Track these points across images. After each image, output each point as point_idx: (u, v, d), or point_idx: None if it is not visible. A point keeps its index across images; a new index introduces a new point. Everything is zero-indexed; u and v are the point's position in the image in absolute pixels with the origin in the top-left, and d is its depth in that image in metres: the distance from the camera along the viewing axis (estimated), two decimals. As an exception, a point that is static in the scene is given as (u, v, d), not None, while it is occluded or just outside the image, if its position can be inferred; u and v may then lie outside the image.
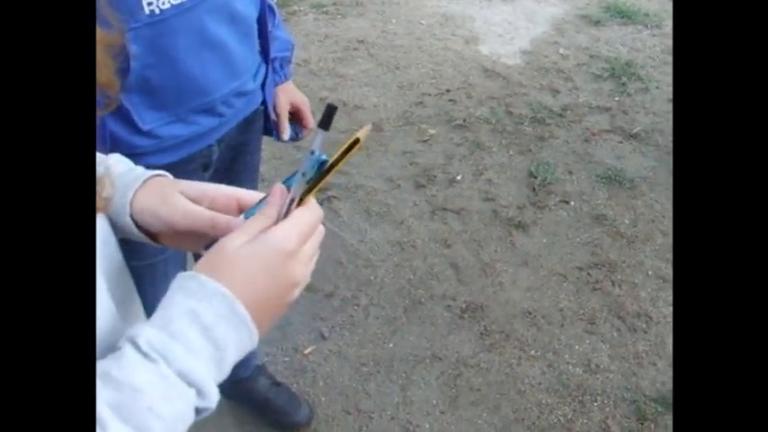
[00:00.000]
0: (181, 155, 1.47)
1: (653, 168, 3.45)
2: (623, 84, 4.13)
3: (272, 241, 0.67)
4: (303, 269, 0.70)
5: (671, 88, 4.11)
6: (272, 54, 1.67)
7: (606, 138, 3.67)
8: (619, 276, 2.83)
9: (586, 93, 4.04)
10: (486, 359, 2.49)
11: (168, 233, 0.82)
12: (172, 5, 1.27)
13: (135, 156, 1.38)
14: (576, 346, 2.55)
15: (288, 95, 1.79)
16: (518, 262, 2.87)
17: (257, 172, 1.86)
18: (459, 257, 2.87)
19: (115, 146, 1.36)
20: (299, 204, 0.71)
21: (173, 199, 0.80)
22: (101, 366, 0.59)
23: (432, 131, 3.63)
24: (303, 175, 0.69)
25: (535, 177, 3.31)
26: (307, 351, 2.50)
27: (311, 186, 0.70)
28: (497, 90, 4.01)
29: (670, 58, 4.45)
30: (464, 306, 2.67)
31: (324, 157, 0.69)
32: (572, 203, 3.19)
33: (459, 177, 3.31)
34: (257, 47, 1.58)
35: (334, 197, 3.16)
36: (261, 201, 0.77)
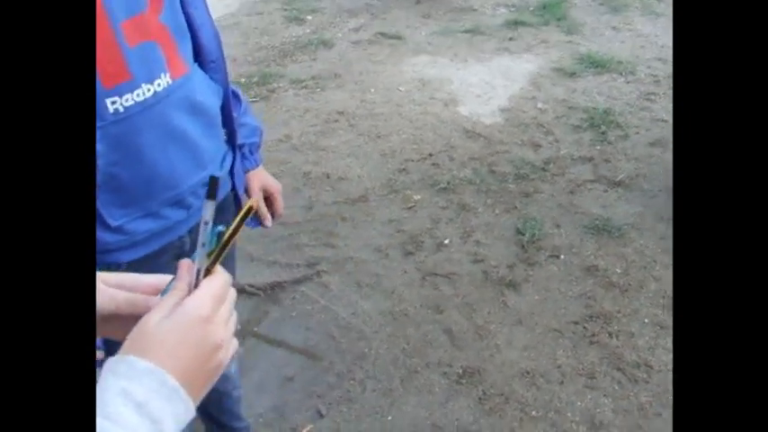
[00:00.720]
0: (153, 248, 1.46)
1: (639, 214, 3.45)
2: (603, 132, 4.17)
3: (189, 310, 0.71)
4: (223, 332, 0.74)
5: (650, 133, 4.15)
6: (241, 140, 1.68)
7: (591, 188, 3.68)
8: (615, 327, 2.80)
9: (567, 144, 4.07)
10: (488, 424, 2.44)
11: None
12: (135, 102, 1.28)
13: (107, 252, 1.39)
14: (578, 403, 2.51)
15: (261, 181, 1.79)
16: (512, 322, 2.84)
17: (234, 259, 1.85)
18: (453, 322, 2.85)
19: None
20: (206, 274, 0.75)
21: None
22: None
23: (417, 197, 3.64)
24: (203, 245, 0.73)
25: (523, 234, 3.31)
26: (305, 430, 2.46)
27: (216, 256, 0.74)
28: (479, 150, 4.04)
29: (647, 104, 4.50)
30: (461, 371, 2.63)
31: (220, 227, 0.74)
32: (562, 257, 3.18)
33: (446, 241, 3.30)
34: (222, 135, 1.59)
35: (324, 271, 3.15)
36: (172, 280, 0.79)
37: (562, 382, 2.58)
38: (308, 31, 6.04)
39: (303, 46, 5.68)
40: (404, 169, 3.89)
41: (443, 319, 2.87)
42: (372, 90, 4.87)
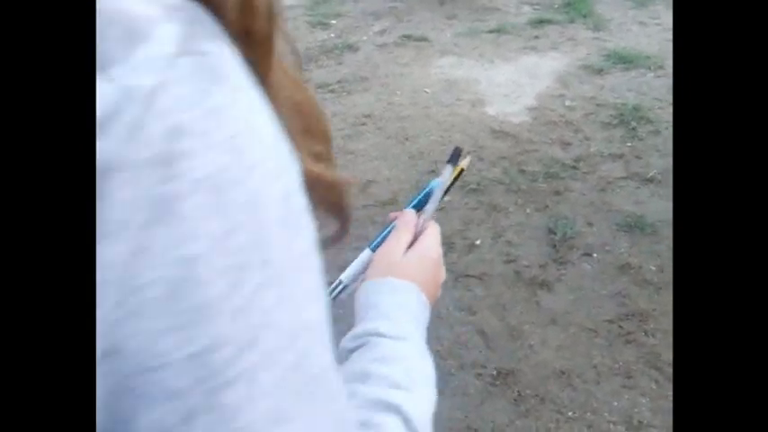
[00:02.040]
0: None
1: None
2: (633, 129, 4.13)
3: (427, 251, 0.84)
4: (443, 271, 0.87)
5: (682, 128, 4.09)
6: None
7: (623, 185, 3.65)
8: (651, 325, 2.77)
9: (597, 142, 4.04)
10: (524, 425, 2.42)
11: None
12: None
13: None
14: (615, 403, 2.48)
15: None
16: (545, 322, 2.82)
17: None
18: (486, 323, 2.83)
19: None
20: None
21: None
22: (352, 368, 0.68)
23: (446, 198, 3.61)
24: (436, 202, 0.89)
25: (555, 233, 3.28)
26: (340, 436, 2.45)
27: (435, 208, 0.90)
28: (508, 150, 4.02)
29: (677, 99, 4.44)
30: (495, 373, 2.61)
31: (432, 184, 0.91)
32: (595, 256, 3.15)
33: (478, 242, 3.29)
34: None
35: (355, 275, 3.14)
36: (387, 228, 0.90)
37: (598, 382, 2.56)
38: (333, 35, 6.05)
39: (328, 50, 5.69)
40: (433, 171, 3.88)
41: (476, 320, 2.85)
42: (399, 93, 4.86)
